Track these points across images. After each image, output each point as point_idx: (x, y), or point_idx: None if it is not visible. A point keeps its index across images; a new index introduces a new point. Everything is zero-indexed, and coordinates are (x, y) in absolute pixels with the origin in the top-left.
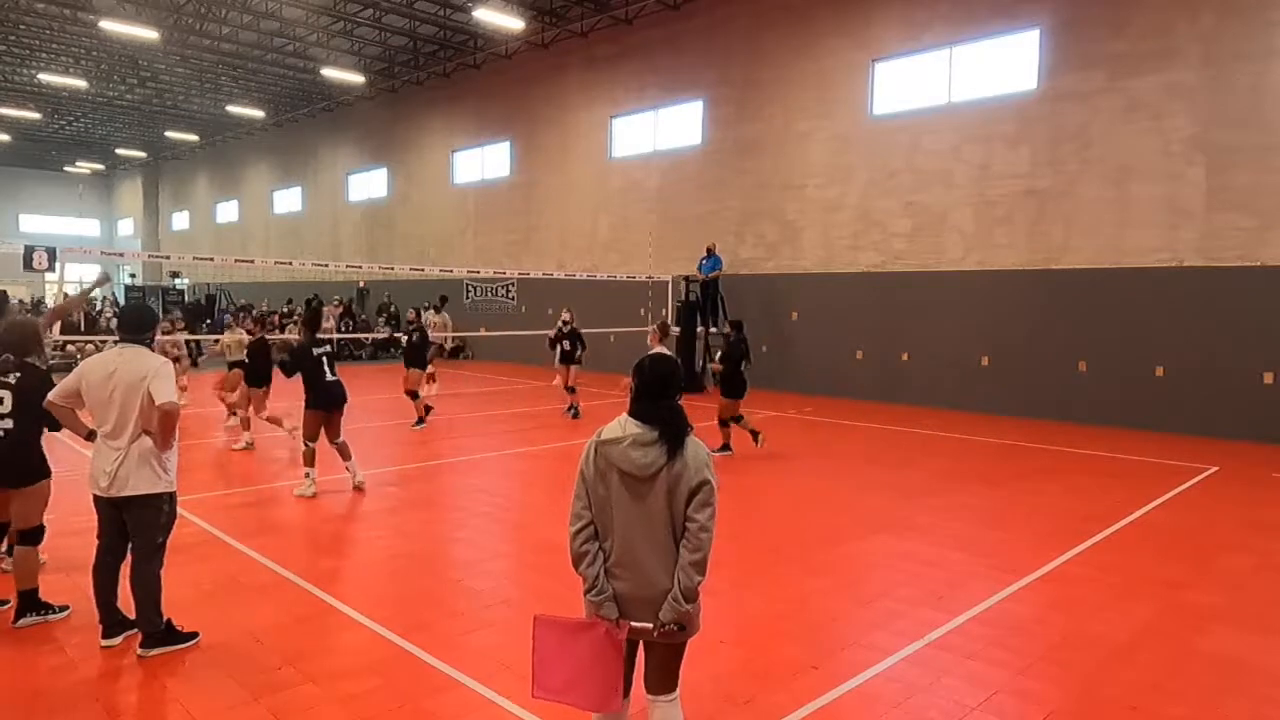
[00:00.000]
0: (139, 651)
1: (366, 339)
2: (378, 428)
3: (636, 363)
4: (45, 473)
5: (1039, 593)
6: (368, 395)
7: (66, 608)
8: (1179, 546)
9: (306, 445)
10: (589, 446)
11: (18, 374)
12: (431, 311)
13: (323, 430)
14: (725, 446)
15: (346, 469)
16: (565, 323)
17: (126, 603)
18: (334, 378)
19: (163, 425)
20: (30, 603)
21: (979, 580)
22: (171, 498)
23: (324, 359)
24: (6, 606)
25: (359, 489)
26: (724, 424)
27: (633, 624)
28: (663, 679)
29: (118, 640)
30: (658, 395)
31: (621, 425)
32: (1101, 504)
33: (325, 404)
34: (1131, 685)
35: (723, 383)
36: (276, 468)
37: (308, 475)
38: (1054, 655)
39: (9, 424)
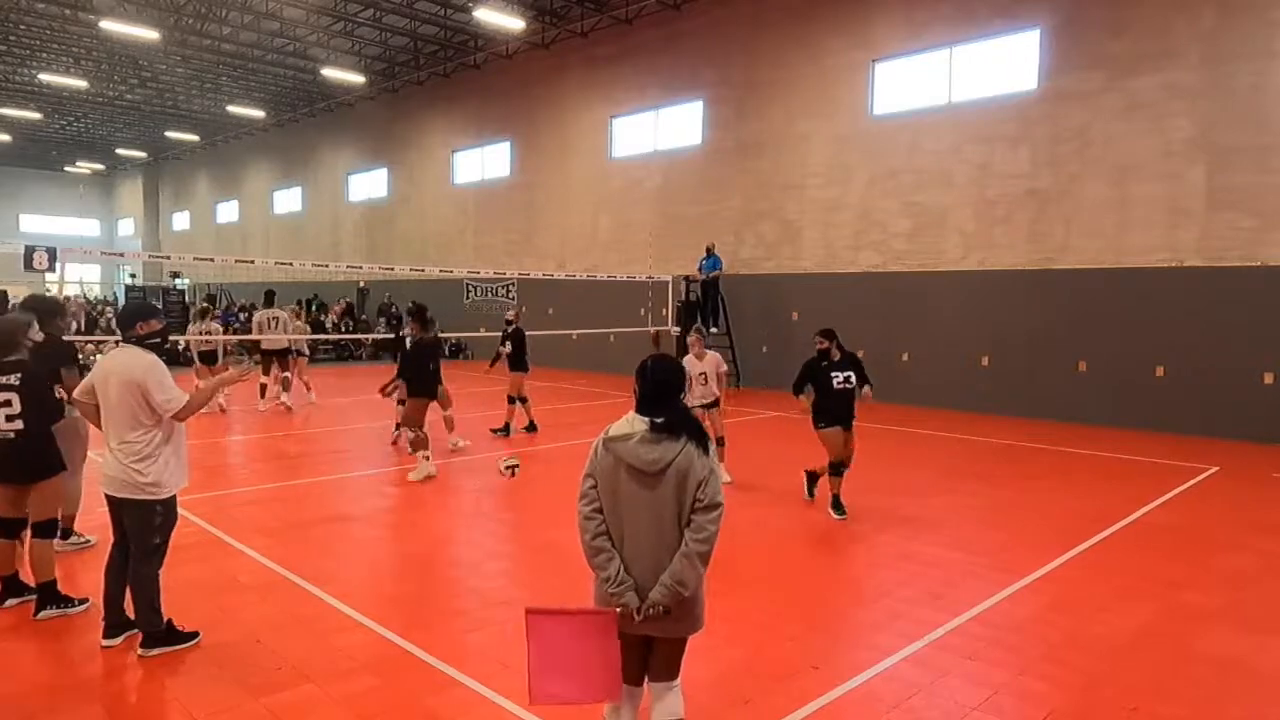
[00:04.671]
0: (139, 651)
1: (367, 339)
2: (379, 428)
3: (639, 365)
4: (59, 467)
5: (1039, 593)
6: (366, 395)
7: (86, 600)
8: (1179, 546)
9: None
10: (596, 444)
11: (18, 374)
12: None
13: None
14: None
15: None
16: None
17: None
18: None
19: (191, 413)
20: (50, 595)
21: (979, 580)
22: (165, 503)
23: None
24: (9, 605)
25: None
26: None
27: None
28: (665, 668)
29: (118, 640)
30: (662, 397)
31: (630, 422)
32: (1101, 504)
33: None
34: (1131, 685)
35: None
36: (276, 467)
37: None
38: (1054, 655)
39: (19, 424)
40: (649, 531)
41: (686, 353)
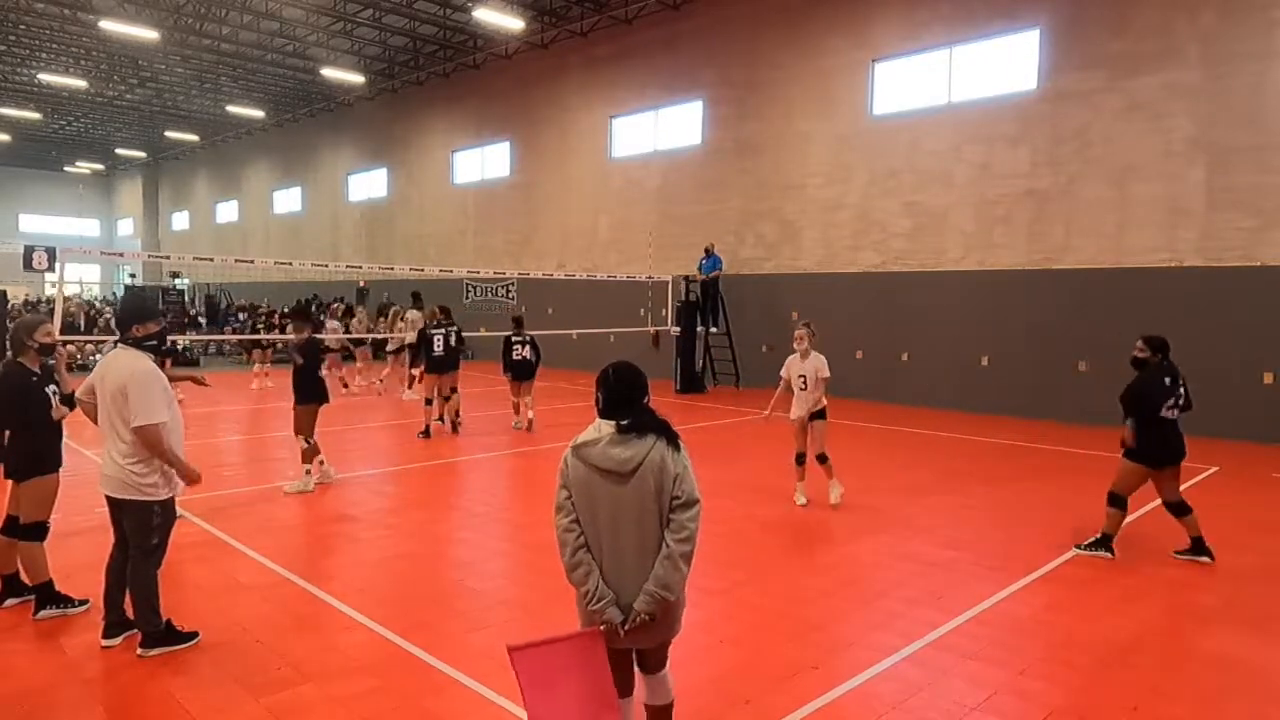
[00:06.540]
0: (139, 651)
1: (365, 339)
2: (378, 428)
3: (600, 372)
4: (39, 470)
5: (1039, 593)
6: (365, 395)
7: (86, 601)
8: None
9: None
10: (566, 456)
11: None
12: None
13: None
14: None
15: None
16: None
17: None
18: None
19: (148, 448)
20: (49, 595)
21: (979, 580)
22: (163, 504)
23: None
24: (9, 604)
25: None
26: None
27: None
28: (654, 663)
29: (118, 640)
30: (624, 400)
31: (596, 428)
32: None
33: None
34: (1131, 685)
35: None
36: (276, 467)
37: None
38: (1054, 655)
39: None
40: (631, 536)
41: (686, 353)
